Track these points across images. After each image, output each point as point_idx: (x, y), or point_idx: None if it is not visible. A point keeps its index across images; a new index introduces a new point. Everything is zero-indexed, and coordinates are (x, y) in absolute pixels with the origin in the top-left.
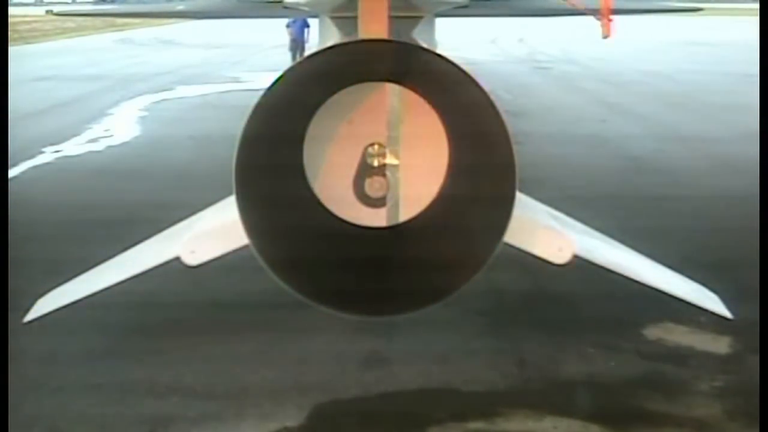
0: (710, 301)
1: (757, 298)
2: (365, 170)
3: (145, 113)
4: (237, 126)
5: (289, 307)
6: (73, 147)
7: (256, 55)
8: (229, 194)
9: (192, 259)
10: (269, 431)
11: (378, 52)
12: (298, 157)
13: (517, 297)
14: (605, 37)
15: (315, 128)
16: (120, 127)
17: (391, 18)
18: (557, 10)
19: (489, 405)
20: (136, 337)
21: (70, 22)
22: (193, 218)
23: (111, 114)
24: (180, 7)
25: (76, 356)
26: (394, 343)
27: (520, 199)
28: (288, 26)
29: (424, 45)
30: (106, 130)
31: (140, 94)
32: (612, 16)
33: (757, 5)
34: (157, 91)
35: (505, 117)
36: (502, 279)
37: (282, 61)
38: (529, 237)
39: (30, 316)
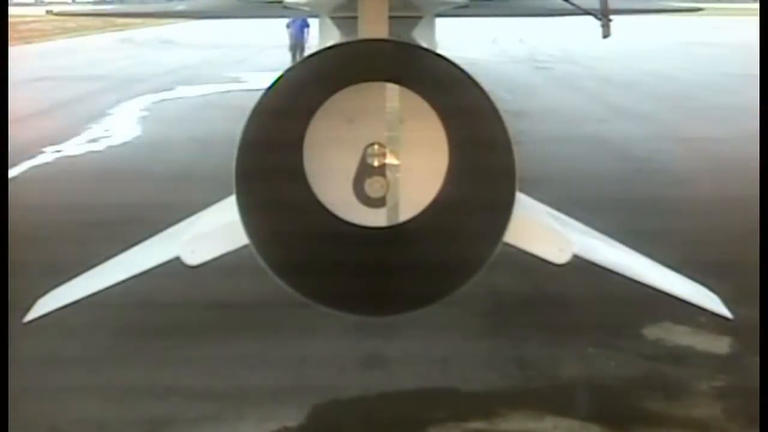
0: (710, 301)
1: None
2: (365, 170)
3: (146, 113)
4: (237, 126)
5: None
6: (73, 147)
7: (257, 55)
8: (229, 194)
9: (192, 259)
10: (269, 431)
11: (378, 52)
12: (298, 157)
13: (517, 297)
14: (605, 36)
15: (315, 128)
16: (120, 127)
17: (391, 18)
18: (557, 10)
19: (489, 405)
20: (136, 336)
21: (70, 22)
22: (193, 218)
23: (111, 114)
24: (180, 7)
25: (76, 356)
26: (394, 342)
27: (520, 199)
28: (288, 26)
29: (424, 45)
30: (106, 130)
31: (140, 94)
32: (612, 16)
33: (757, 5)
34: (157, 91)
35: (504, 117)
36: (502, 278)
37: (282, 61)
38: (529, 237)
39: (30, 316)
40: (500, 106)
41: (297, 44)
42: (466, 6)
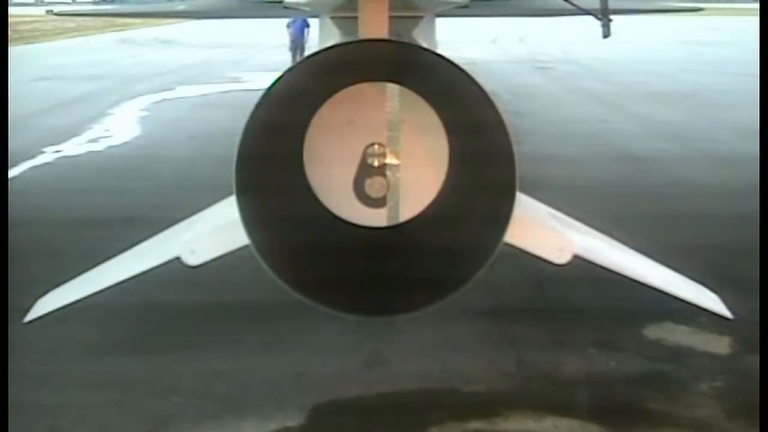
0: (710, 301)
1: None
2: (365, 170)
3: (146, 113)
4: (238, 126)
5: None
6: (73, 147)
7: (257, 55)
8: (229, 194)
9: (192, 259)
10: (269, 431)
11: (378, 52)
12: (299, 157)
13: (517, 296)
14: (605, 36)
15: (315, 128)
16: (120, 127)
17: (391, 18)
18: (557, 10)
19: (489, 405)
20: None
21: (70, 22)
22: (193, 218)
23: (111, 114)
24: (180, 7)
25: (77, 356)
26: (393, 342)
27: (521, 198)
28: (288, 26)
29: (424, 45)
30: (106, 130)
31: (141, 94)
32: (612, 16)
33: (757, 5)
34: (157, 91)
35: (505, 117)
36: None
37: (282, 61)
38: (529, 237)
39: (30, 316)
40: (500, 105)
41: (297, 44)
42: (466, 6)
